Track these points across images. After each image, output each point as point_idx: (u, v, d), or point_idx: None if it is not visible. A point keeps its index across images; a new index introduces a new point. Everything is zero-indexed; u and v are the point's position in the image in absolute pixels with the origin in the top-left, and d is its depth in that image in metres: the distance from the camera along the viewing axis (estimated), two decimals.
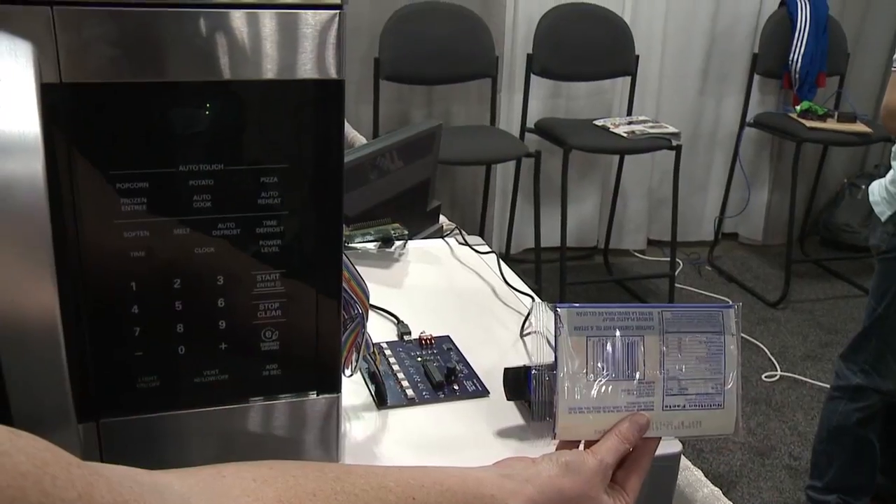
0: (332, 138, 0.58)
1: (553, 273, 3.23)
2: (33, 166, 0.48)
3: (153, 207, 0.55)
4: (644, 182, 3.73)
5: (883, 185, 1.85)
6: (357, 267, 0.67)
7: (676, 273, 3.52)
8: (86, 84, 0.52)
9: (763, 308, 3.36)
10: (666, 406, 0.67)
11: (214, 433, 0.63)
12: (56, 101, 0.51)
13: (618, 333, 0.67)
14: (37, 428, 0.54)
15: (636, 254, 3.83)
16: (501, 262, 1.05)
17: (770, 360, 2.93)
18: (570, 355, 0.66)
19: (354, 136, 2.03)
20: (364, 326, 0.68)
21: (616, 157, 3.57)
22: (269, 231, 0.58)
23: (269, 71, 0.55)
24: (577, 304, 0.67)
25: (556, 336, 0.67)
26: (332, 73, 0.56)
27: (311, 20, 0.55)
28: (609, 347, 0.67)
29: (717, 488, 0.82)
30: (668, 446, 0.72)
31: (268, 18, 0.54)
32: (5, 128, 0.48)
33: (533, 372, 0.71)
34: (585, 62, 3.32)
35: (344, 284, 0.65)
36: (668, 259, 3.39)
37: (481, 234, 3.45)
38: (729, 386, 0.69)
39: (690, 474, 0.84)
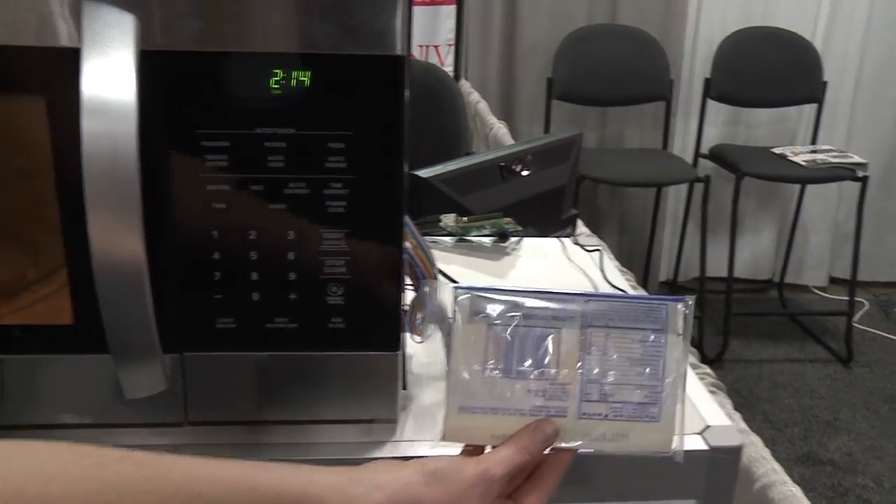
0: (395, 109, 0.63)
1: (722, 304, 3.13)
2: (127, 126, 0.57)
3: (233, 164, 0.63)
4: (828, 215, 3.54)
5: None
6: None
7: (860, 314, 3.31)
8: (177, 52, 0.60)
9: None
10: (583, 414, 0.58)
11: (283, 376, 0.69)
12: (151, 66, 0.59)
13: (527, 323, 0.58)
14: (129, 356, 0.62)
15: (816, 290, 3.63)
16: (604, 259, 1.06)
17: None
18: (465, 345, 0.58)
19: (503, 134, 2.09)
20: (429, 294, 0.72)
21: (797, 188, 3.42)
22: (335, 193, 0.64)
23: (339, 45, 0.61)
24: (479, 286, 0.59)
25: (452, 322, 0.59)
26: (396, 50, 0.62)
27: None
28: (515, 339, 0.58)
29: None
30: (728, 437, 0.71)
31: None
32: (106, 90, 0.57)
33: None
34: (767, 88, 3.21)
35: (411, 251, 0.70)
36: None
37: (648, 259, 3.40)
38: (667, 394, 0.58)
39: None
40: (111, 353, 0.62)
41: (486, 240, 1.15)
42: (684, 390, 0.59)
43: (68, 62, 0.59)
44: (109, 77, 0.57)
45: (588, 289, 1.02)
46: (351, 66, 0.62)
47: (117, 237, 0.58)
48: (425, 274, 0.71)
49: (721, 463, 0.71)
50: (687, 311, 0.59)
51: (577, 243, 1.14)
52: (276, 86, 0.61)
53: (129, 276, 0.59)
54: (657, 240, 3.43)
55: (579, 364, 0.58)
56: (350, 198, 0.65)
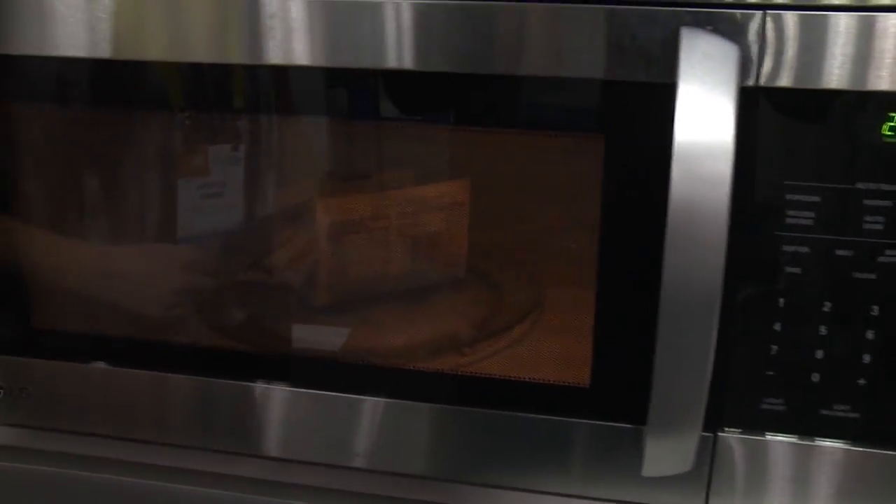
0: None
1: None
2: (721, 168, 0.49)
3: (819, 224, 0.53)
4: None
5: None
6: None
7: None
8: (781, 89, 0.51)
9: None
10: None
11: (830, 470, 0.58)
12: (749, 105, 0.51)
13: None
14: (665, 431, 0.55)
15: None
16: None
17: None
18: None
19: None
20: None
21: None
22: None
23: None
24: None
25: None
26: None
27: None
28: None
29: None
30: None
31: None
32: (701, 133, 0.49)
33: None
34: None
35: None
36: None
37: None
38: None
39: None
40: (648, 425, 0.55)
41: None
42: None
43: (639, 97, 0.53)
44: (706, 117, 0.49)
45: None
46: None
47: (693, 299, 0.50)
48: None
49: None
50: None
51: None
52: (890, 133, 0.51)
53: (696, 344, 0.52)
54: None
55: None
56: None
